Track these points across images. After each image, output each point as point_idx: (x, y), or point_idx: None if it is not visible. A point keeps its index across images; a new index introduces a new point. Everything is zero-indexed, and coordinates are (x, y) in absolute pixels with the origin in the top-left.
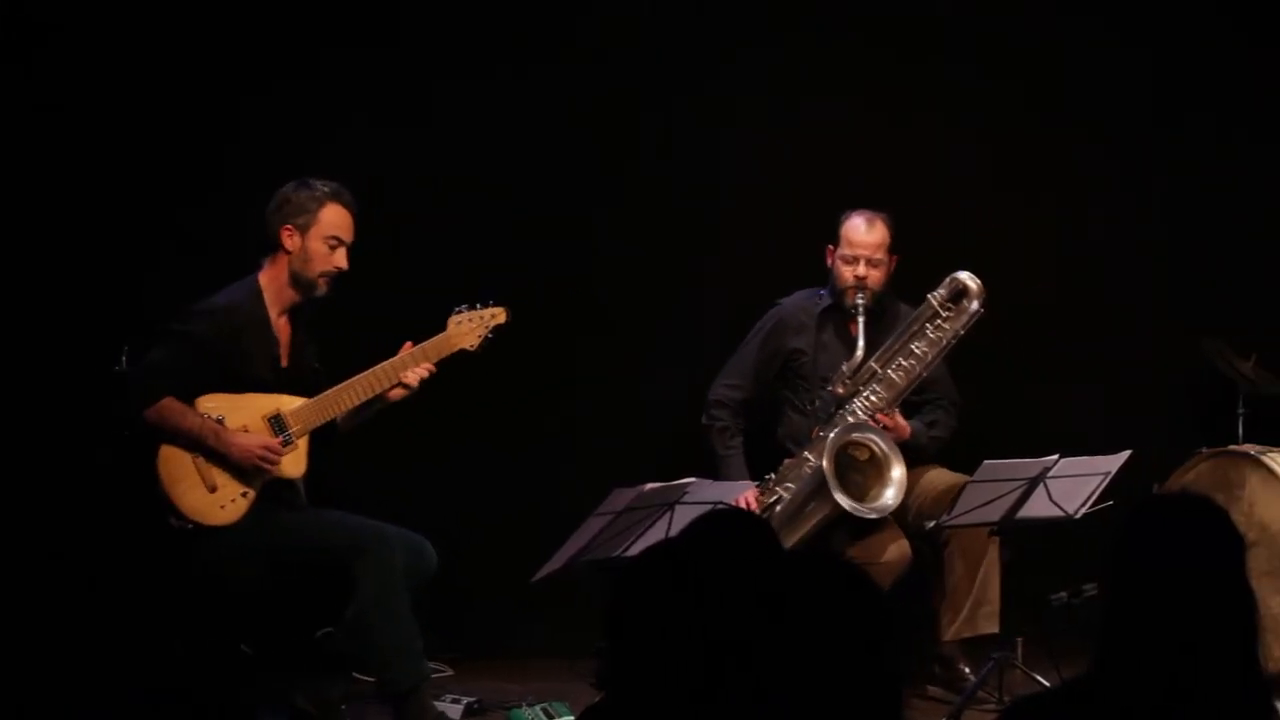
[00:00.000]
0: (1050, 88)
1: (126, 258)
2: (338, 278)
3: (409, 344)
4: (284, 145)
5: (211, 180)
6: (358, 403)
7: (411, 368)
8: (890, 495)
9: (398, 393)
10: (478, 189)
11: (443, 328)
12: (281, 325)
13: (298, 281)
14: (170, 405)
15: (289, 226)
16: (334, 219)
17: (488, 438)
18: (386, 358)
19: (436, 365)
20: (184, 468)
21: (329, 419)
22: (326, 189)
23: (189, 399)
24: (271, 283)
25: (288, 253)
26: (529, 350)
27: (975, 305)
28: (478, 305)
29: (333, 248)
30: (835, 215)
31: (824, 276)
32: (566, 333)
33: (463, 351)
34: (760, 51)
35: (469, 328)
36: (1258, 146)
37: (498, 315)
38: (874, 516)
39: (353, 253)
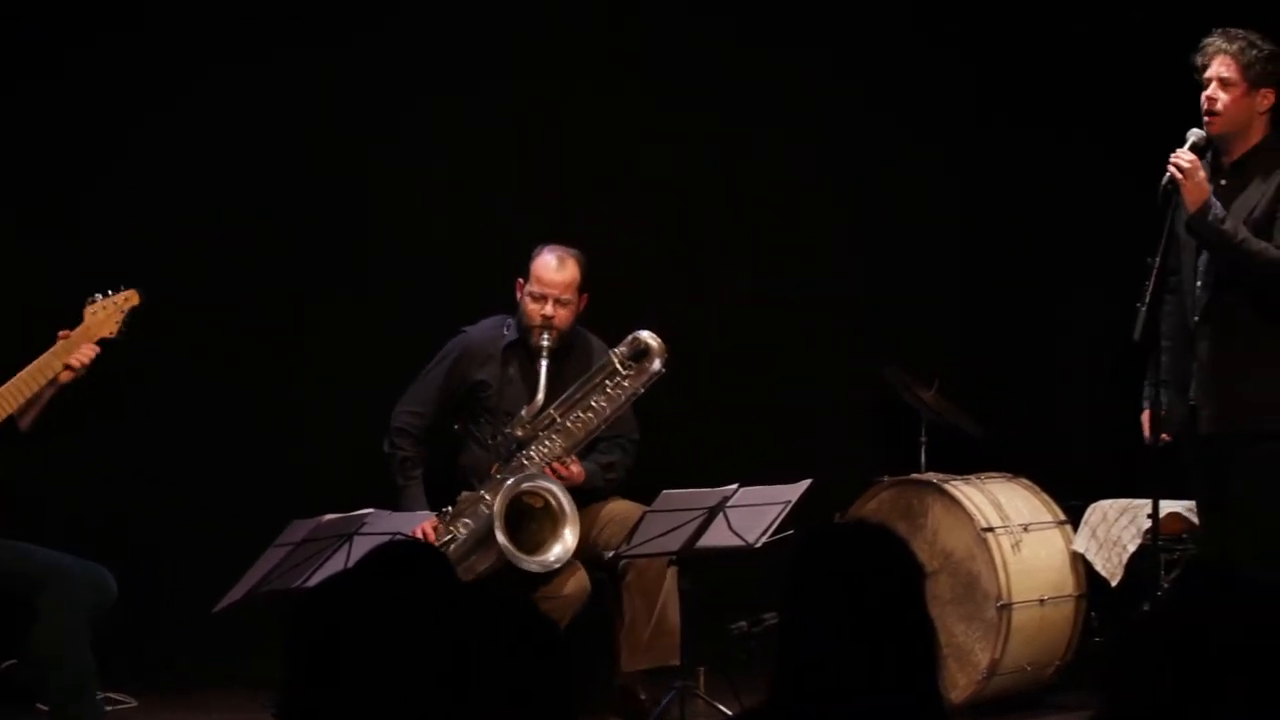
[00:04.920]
0: (736, 117)
1: None
2: None
3: (64, 331)
4: None
5: None
6: (15, 407)
7: (73, 354)
8: (556, 552)
9: (66, 375)
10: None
11: (79, 320)
12: None
13: None
14: None
15: None
16: None
17: (168, 465)
18: (30, 356)
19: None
20: None
21: None
22: None
23: None
24: None
25: None
26: (207, 379)
27: (657, 365)
28: (109, 292)
29: None
30: (527, 242)
31: (513, 304)
32: (245, 361)
33: (105, 340)
34: (461, 77)
35: (105, 315)
36: (945, 177)
37: (131, 298)
38: (537, 570)
39: None
